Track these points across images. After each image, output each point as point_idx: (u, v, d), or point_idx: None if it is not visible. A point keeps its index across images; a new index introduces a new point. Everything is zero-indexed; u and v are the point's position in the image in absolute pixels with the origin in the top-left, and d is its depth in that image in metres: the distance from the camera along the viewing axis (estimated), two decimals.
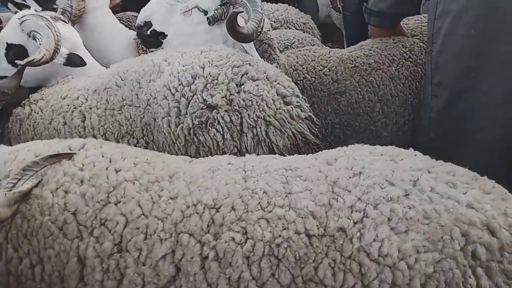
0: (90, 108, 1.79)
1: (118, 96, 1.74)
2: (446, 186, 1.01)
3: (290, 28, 3.12)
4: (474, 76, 1.68)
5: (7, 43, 2.11)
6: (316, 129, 1.65)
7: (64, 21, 2.36)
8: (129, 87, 1.73)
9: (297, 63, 2.14)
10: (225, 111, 1.49)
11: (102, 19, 2.65)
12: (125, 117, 1.69)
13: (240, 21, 1.73)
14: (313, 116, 1.65)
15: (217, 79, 1.54)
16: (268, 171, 1.12)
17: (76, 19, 2.56)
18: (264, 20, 1.71)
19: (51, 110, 1.90)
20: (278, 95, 1.57)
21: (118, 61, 2.48)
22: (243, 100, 1.50)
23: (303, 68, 2.12)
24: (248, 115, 1.49)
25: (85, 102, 1.84)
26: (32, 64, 1.97)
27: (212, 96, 1.51)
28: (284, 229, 0.98)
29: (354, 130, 2.17)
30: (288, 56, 2.19)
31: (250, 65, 1.60)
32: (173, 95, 1.55)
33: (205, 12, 1.81)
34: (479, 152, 1.70)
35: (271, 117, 1.51)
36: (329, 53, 2.25)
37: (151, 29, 1.89)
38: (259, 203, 1.02)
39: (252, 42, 1.76)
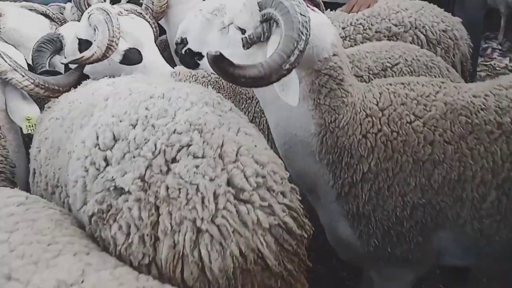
0: (45, 139, 1.47)
1: (59, 133, 1.36)
2: None
3: (419, 37, 2.31)
4: None
5: (77, 37, 2.06)
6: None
7: (140, 14, 2.22)
8: (66, 126, 1.35)
9: (376, 104, 1.47)
10: (136, 200, 1.01)
11: (186, 14, 2.41)
12: (58, 164, 1.30)
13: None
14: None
15: (141, 149, 1.07)
16: None
17: (158, 15, 2.40)
18: (297, 49, 1.14)
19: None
20: (229, 186, 1.04)
21: None
22: (167, 188, 1.01)
23: (382, 115, 1.45)
24: (169, 212, 0.98)
25: (45, 128, 1.52)
26: (82, 62, 1.87)
27: (123, 174, 1.04)
28: None
29: (447, 220, 1.43)
30: (369, 90, 1.53)
31: (201, 132, 1.08)
32: (85, 158, 1.13)
33: (243, 31, 1.34)
34: None
35: (206, 221, 0.97)
36: (436, 94, 1.49)
37: (186, 47, 1.53)
38: None
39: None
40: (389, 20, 2.34)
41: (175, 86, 1.35)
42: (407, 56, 1.90)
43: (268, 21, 1.28)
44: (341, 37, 2.25)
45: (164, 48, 2.66)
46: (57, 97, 1.76)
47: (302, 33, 1.14)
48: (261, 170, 1.08)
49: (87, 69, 1.93)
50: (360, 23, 2.41)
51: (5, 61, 1.65)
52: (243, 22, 1.32)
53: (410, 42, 2.26)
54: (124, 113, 1.17)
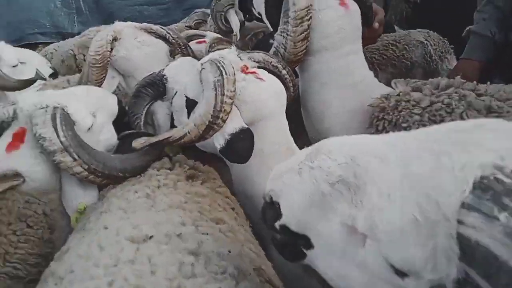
0: None
1: None
2: None
3: None
4: None
5: (185, 95, 1.46)
6: None
7: (275, 68, 1.49)
8: None
9: None
10: None
11: (332, 65, 1.61)
12: None
13: None
14: None
15: None
16: None
17: (293, 64, 1.64)
18: None
19: None
20: None
21: (337, 133, 1.50)
22: None
23: None
24: None
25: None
26: (168, 144, 1.25)
27: None
28: None
29: None
30: None
31: None
32: None
33: None
34: None
35: None
36: None
37: (281, 221, 0.76)
38: None
39: None
40: None
41: None
42: None
43: None
44: None
45: None
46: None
47: None
48: None
49: None
50: None
51: (57, 136, 1.12)
52: None
53: None
54: None
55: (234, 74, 1.29)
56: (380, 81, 1.74)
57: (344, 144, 0.65)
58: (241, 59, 1.44)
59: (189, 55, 2.14)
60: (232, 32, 3.20)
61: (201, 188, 1.14)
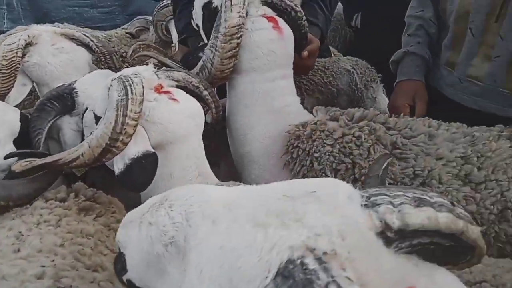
0: None
1: None
2: None
3: None
4: None
5: (93, 112, 1.35)
6: None
7: (195, 87, 1.43)
8: None
9: None
10: None
11: (259, 87, 1.57)
12: None
13: None
14: None
15: None
16: None
17: (220, 80, 1.59)
18: None
19: None
20: None
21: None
22: None
23: None
24: None
25: None
26: (57, 168, 1.13)
27: None
28: None
29: None
30: None
31: None
32: None
33: None
34: None
35: None
36: None
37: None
38: None
39: None
40: None
41: None
42: None
43: None
44: None
45: None
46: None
47: None
48: None
49: None
50: None
51: None
52: None
53: None
54: None
55: (143, 94, 1.20)
56: (306, 106, 1.73)
57: (188, 198, 0.59)
58: (158, 77, 1.37)
59: (114, 66, 2.03)
60: (172, 43, 3.11)
61: (90, 226, 1.03)
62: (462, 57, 1.70)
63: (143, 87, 1.21)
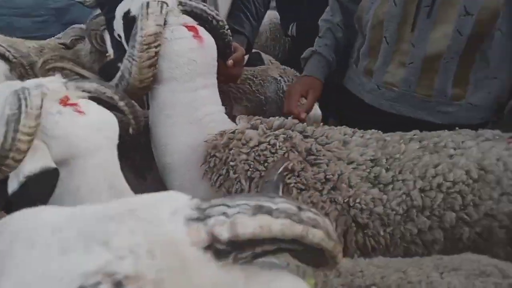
0: None
1: None
2: None
3: None
4: None
5: None
6: None
7: (110, 98, 1.38)
8: None
9: None
10: None
11: (179, 97, 1.55)
12: None
13: None
14: None
15: None
16: None
17: (140, 91, 1.55)
18: None
19: None
20: None
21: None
22: None
23: None
24: None
25: None
26: None
27: None
28: None
29: None
30: None
31: None
32: None
33: None
34: None
35: None
36: None
37: None
38: None
39: None
40: None
41: None
42: None
43: None
44: None
45: None
46: None
47: None
48: None
49: None
50: None
51: None
52: None
53: None
54: None
55: (40, 107, 1.14)
56: (235, 114, 1.73)
57: (19, 219, 0.56)
58: (67, 89, 1.31)
59: (36, 77, 1.93)
60: (107, 52, 3.02)
61: None
62: (379, 65, 1.77)
63: (42, 100, 1.16)
